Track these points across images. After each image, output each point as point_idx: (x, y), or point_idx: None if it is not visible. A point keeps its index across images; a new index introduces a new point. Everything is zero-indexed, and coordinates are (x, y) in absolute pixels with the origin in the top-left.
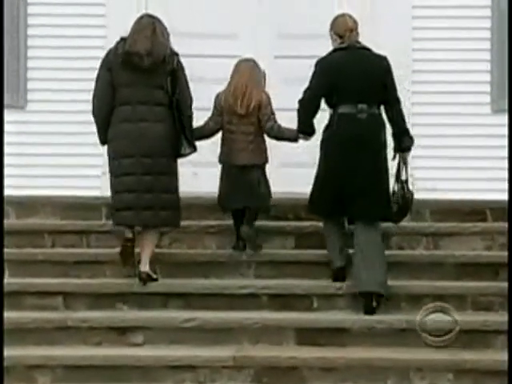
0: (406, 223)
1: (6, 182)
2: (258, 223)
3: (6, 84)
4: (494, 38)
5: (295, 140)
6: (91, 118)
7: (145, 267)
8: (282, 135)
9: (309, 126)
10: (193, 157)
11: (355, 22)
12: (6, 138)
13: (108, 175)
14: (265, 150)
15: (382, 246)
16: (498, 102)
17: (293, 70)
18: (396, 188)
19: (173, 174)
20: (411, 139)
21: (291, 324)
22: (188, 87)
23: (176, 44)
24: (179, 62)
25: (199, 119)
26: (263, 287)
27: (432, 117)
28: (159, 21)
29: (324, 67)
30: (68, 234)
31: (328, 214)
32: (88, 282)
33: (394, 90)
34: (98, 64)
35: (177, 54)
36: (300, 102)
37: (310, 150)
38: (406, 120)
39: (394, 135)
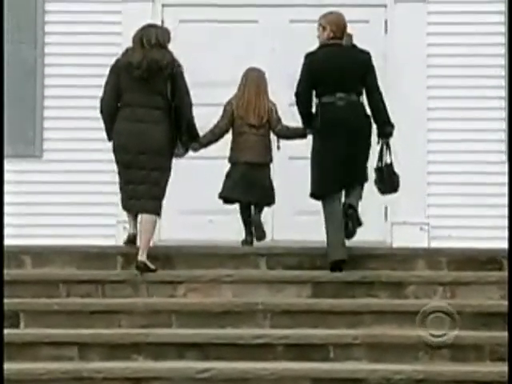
0: (421, 272)
1: (21, 231)
2: (273, 272)
3: (22, 134)
4: (509, 85)
5: (304, 135)
6: (106, 167)
7: (142, 256)
8: (290, 134)
9: (311, 117)
10: (208, 204)
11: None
12: (22, 188)
13: (122, 224)
14: (271, 150)
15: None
16: None
17: None
18: (380, 165)
19: (165, 170)
20: (392, 126)
21: (307, 374)
22: (188, 92)
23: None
24: (178, 69)
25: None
26: (279, 337)
27: (447, 165)
28: (156, 33)
29: (311, 61)
30: (83, 284)
31: (329, 191)
32: (103, 333)
33: (375, 80)
34: None
35: (177, 63)
36: (295, 94)
37: None
38: (388, 109)
39: (376, 122)
